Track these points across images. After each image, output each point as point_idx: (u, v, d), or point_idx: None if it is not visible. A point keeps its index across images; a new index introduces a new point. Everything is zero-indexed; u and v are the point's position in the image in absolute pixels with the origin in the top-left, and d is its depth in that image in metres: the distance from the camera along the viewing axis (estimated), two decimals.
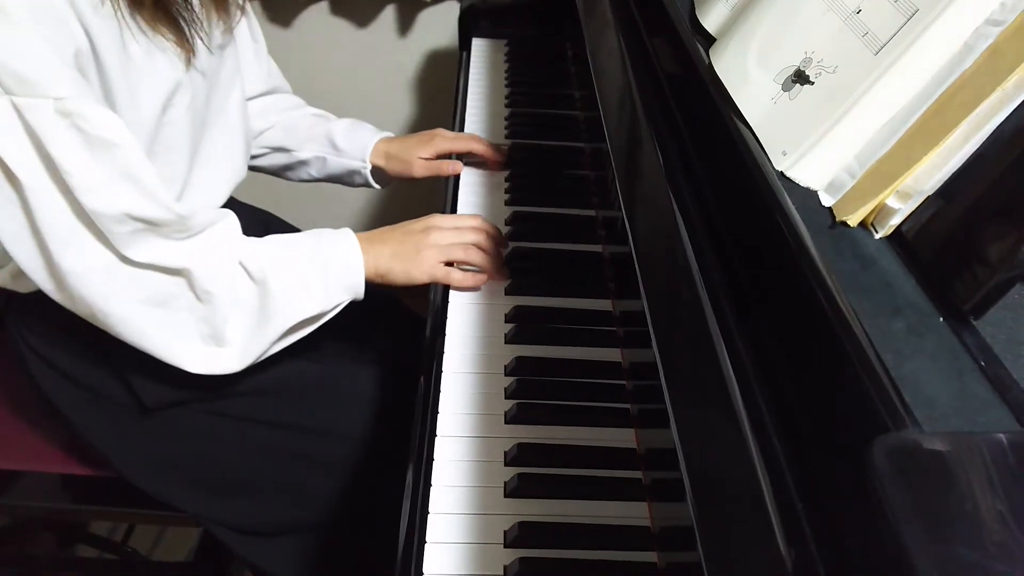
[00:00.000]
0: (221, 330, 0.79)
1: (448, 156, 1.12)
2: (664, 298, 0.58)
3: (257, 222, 1.09)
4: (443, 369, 0.80)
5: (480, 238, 0.90)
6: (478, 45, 1.44)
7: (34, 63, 0.65)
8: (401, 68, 1.75)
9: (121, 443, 0.93)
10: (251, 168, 1.05)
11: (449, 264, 0.89)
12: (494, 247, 0.91)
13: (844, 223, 0.51)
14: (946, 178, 0.48)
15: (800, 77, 0.57)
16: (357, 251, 0.85)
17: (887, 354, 0.41)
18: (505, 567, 0.64)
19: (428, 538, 0.65)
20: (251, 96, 1.07)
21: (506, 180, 1.10)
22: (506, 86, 1.33)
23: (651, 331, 0.56)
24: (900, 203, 0.49)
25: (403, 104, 1.80)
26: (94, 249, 0.72)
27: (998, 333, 0.43)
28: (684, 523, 0.52)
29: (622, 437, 0.75)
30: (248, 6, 0.95)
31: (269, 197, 1.26)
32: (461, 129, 1.21)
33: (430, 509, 0.67)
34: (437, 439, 0.73)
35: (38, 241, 0.71)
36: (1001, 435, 0.37)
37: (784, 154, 0.55)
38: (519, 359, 0.81)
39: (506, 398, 0.78)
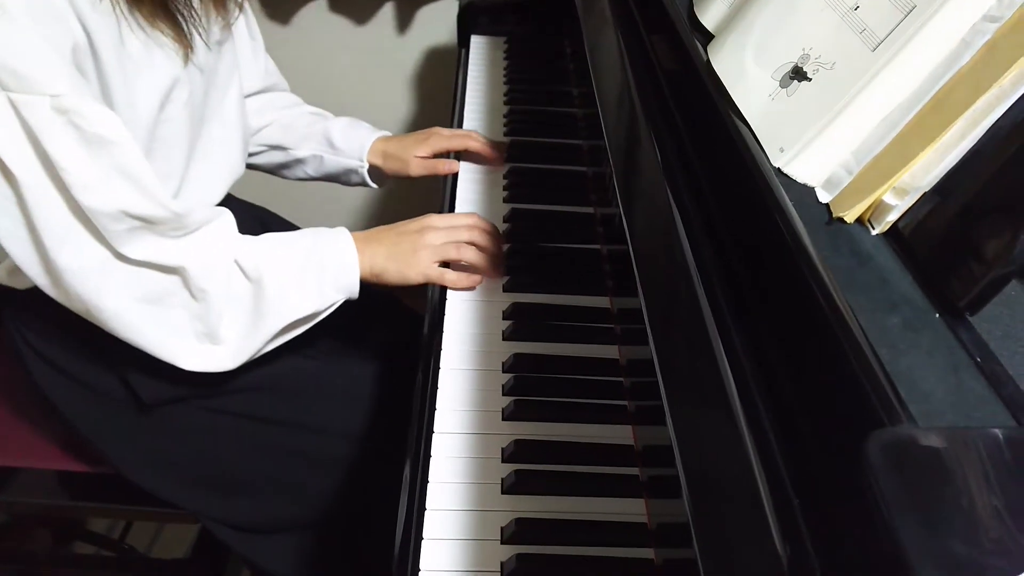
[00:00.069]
0: (215, 328, 0.79)
1: (445, 154, 1.12)
2: (661, 295, 0.58)
3: (254, 219, 1.09)
4: (440, 365, 0.80)
5: (475, 236, 0.90)
6: (477, 42, 1.44)
7: (31, 59, 0.65)
8: (400, 65, 1.74)
9: (118, 439, 0.93)
10: (248, 166, 1.05)
11: (445, 264, 0.89)
12: (490, 244, 0.91)
13: (841, 219, 0.51)
14: (943, 174, 0.48)
15: (798, 74, 0.57)
16: (352, 251, 0.85)
17: (883, 349, 0.41)
18: (502, 563, 0.64)
19: (425, 534, 0.65)
20: (249, 93, 1.07)
21: (504, 177, 1.10)
22: (505, 83, 1.33)
23: (648, 328, 0.56)
24: (897, 199, 0.49)
25: (402, 101, 1.80)
26: (90, 246, 0.72)
27: (994, 329, 0.43)
28: (680, 519, 0.52)
29: (619, 434, 0.75)
30: (246, 3, 0.95)
31: (266, 194, 1.26)
32: (460, 127, 1.21)
33: (427, 505, 0.67)
34: (434, 435, 0.73)
35: (34, 238, 0.70)
36: (997, 430, 0.37)
37: (781, 150, 0.55)
38: (517, 356, 0.81)
39: (503, 395, 0.78)
